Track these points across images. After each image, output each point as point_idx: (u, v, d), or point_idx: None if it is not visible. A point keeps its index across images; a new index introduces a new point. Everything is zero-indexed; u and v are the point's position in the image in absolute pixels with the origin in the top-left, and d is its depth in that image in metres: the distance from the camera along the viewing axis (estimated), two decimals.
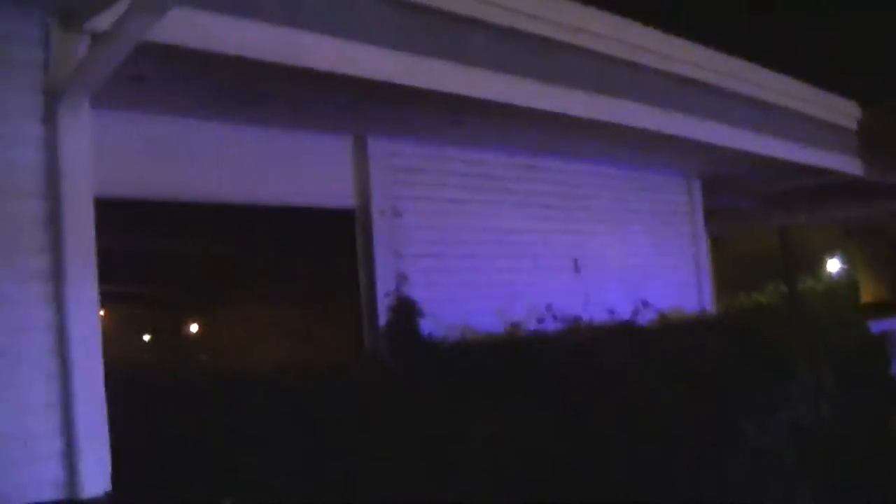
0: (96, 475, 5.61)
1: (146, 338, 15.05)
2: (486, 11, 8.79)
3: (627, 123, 10.33)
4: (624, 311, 9.70)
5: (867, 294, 27.28)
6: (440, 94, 8.39)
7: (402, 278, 9.33)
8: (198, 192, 8.35)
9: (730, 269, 18.95)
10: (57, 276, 5.50)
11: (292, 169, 9.08)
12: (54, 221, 5.52)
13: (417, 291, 9.18)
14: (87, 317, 5.54)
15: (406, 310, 8.96)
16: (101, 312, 5.83)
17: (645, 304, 9.89)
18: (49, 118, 5.51)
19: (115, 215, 6.13)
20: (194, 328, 16.38)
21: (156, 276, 11.42)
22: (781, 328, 10.77)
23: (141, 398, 6.04)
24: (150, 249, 10.13)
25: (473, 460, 6.96)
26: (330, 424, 6.62)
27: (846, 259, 28.21)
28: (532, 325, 9.05)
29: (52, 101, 5.47)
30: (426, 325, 8.89)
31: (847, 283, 27.36)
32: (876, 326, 13.63)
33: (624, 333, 9.16)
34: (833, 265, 28.03)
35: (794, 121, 13.68)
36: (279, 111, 8.54)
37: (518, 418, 7.40)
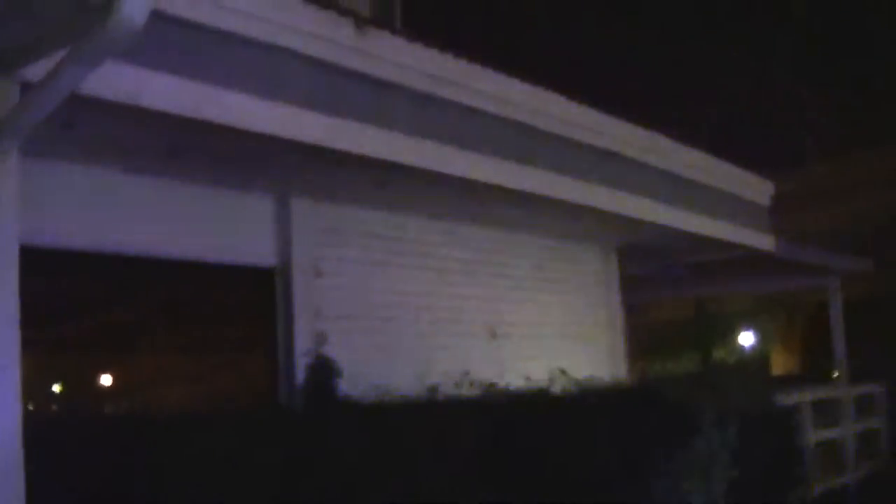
0: None
1: (56, 387, 14.87)
2: (410, 77, 8.96)
3: (548, 194, 10.51)
4: (540, 378, 9.80)
5: (778, 366, 27.73)
6: (364, 158, 8.50)
7: (320, 337, 9.39)
8: (120, 244, 8.36)
9: (645, 336, 19.18)
10: None
11: (215, 225, 9.10)
12: None
13: (336, 351, 9.23)
14: (7, 363, 5.51)
15: (324, 369, 9.01)
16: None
17: (561, 371, 10.01)
18: None
19: (36, 263, 6.12)
20: (107, 379, 16.21)
21: (71, 325, 11.33)
22: (691, 396, 10.96)
23: (52, 442, 6.01)
24: (68, 299, 10.08)
25: None
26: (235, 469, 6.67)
27: (759, 330, 28.64)
28: (448, 390, 9.11)
29: None
30: (344, 386, 8.94)
31: (758, 355, 27.78)
32: (784, 398, 13.93)
33: (538, 399, 9.27)
34: (745, 338, 28.44)
35: (710, 195, 13.99)
36: (203, 168, 8.57)
37: (425, 478, 7.51)
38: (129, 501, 6.22)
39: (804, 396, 15.29)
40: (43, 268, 6.40)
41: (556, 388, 9.76)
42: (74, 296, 10.13)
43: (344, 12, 8.37)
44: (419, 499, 7.51)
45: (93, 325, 11.74)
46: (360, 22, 8.52)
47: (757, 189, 15.68)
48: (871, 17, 31.17)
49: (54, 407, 12.45)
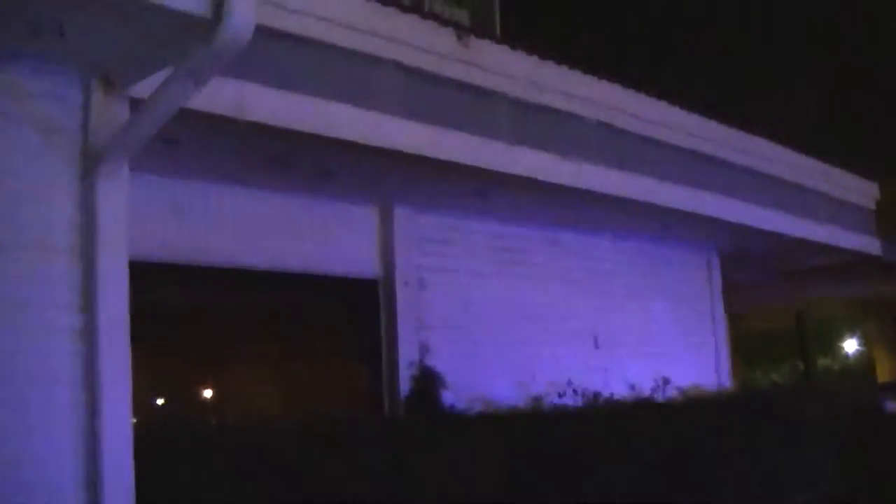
0: None
1: (162, 397, 15.05)
2: (510, 85, 8.94)
3: (651, 200, 10.43)
4: (644, 387, 9.69)
5: (884, 372, 27.15)
6: (464, 167, 8.51)
7: (424, 348, 9.36)
8: (224, 257, 8.42)
9: (747, 344, 18.91)
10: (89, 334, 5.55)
11: (318, 237, 9.15)
12: (88, 280, 5.58)
13: (439, 361, 9.21)
14: (119, 374, 5.57)
15: (428, 379, 8.98)
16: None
17: (665, 380, 9.89)
18: (87, 180, 5.58)
19: (142, 277, 6.18)
20: (212, 391, 16.41)
21: (180, 338, 11.47)
22: (797, 406, 10.80)
23: (165, 455, 6.07)
24: (176, 311, 10.20)
25: None
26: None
27: (863, 337, 28.09)
28: (552, 399, 9.03)
29: (91, 164, 5.55)
30: (448, 397, 8.91)
31: (863, 361, 27.24)
32: (891, 406, 13.63)
33: (644, 409, 9.17)
34: (849, 344, 27.90)
35: (813, 199, 13.80)
36: (307, 180, 8.63)
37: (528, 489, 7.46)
38: None
39: None
40: (148, 281, 6.45)
41: (660, 397, 9.64)
42: (178, 309, 10.26)
43: (445, 22, 8.38)
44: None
45: (198, 338, 11.89)
46: (462, 32, 8.52)
47: (861, 192, 15.42)
48: None
49: (162, 418, 12.61)
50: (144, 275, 6.21)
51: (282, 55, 7.13)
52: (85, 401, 5.53)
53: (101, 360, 5.53)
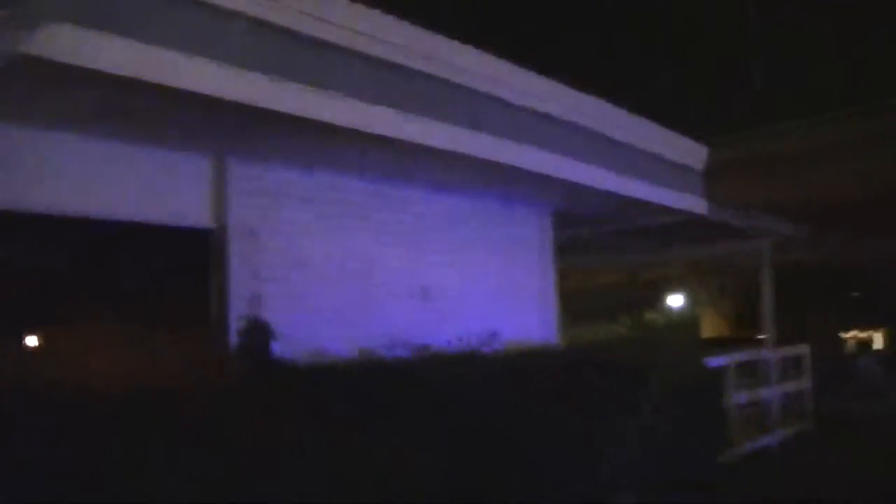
0: None
1: None
2: (350, 39, 8.91)
3: (486, 157, 10.52)
4: (473, 340, 9.83)
5: (709, 329, 28.08)
6: (302, 120, 8.47)
7: (256, 301, 9.34)
8: (46, 203, 8.28)
9: (579, 300, 19.26)
10: None
11: (150, 185, 9.04)
12: None
13: (272, 315, 9.18)
14: None
15: (259, 332, 8.96)
16: None
17: (494, 334, 10.04)
18: None
19: None
20: (33, 342, 16.04)
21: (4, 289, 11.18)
22: (629, 359, 11.10)
23: None
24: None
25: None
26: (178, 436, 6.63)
27: (690, 295, 28.95)
28: (382, 352, 9.11)
29: None
30: (279, 348, 8.90)
31: (689, 318, 28.10)
32: (713, 361, 14.12)
33: (472, 361, 9.30)
34: (675, 300, 28.74)
35: (645, 160, 14.09)
36: (140, 128, 8.50)
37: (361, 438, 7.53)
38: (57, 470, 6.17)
39: (732, 359, 15.52)
40: None
41: (489, 351, 9.78)
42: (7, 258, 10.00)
43: None
44: (351, 464, 7.52)
45: (16, 289, 11.60)
46: None
47: (692, 154, 15.81)
48: None
49: None
50: None
51: (116, 2, 6.99)
52: None
53: None
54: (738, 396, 15.53)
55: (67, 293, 11.63)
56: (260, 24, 8.05)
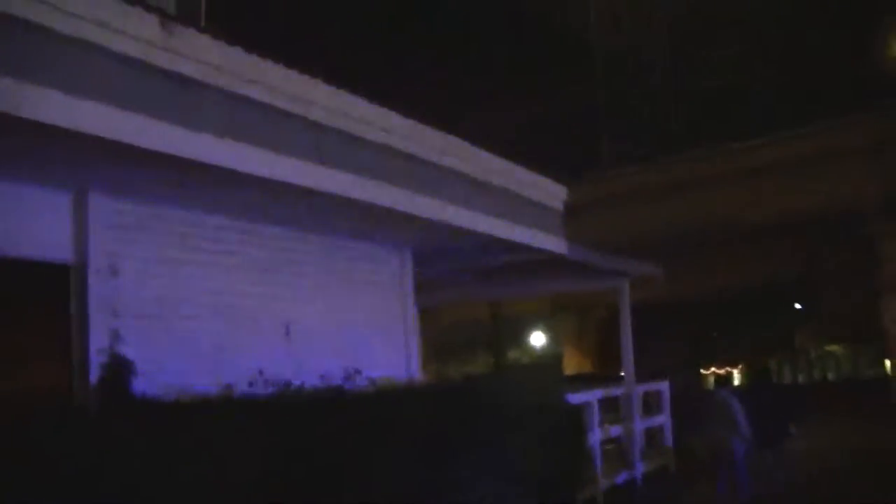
0: None
1: None
2: (212, 75, 8.96)
3: (344, 193, 10.62)
4: (335, 378, 9.90)
5: (571, 366, 28.53)
6: (166, 156, 8.47)
7: (115, 336, 9.26)
8: None
9: (440, 337, 19.48)
10: None
11: (10, 219, 8.90)
12: None
13: (133, 351, 9.15)
14: None
15: (118, 367, 8.92)
16: None
17: (356, 371, 10.13)
18: None
19: None
20: None
21: None
22: (487, 396, 11.22)
23: None
24: None
25: None
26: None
27: (552, 332, 29.40)
28: (243, 389, 9.12)
29: None
30: (140, 385, 8.87)
31: (551, 355, 28.49)
32: (574, 397, 14.37)
33: (332, 398, 9.36)
34: (537, 338, 29.17)
35: (504, 199, 14.33)
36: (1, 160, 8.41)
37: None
38: None
39: (592, 394, 15.82)
40: None
41: (352, 388, 9.85)
42: None
43: (150, 9, 8.32)
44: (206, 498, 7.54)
45: None
46: (166, 19, 8.48)
47: (551, 193, 16.11)
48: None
49: None
50: None
51: None
52: None
53: None
54: (600, 431, 15.82)
55: None
56: (118, 58, 8.04)
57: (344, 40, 30.95)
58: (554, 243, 15.91)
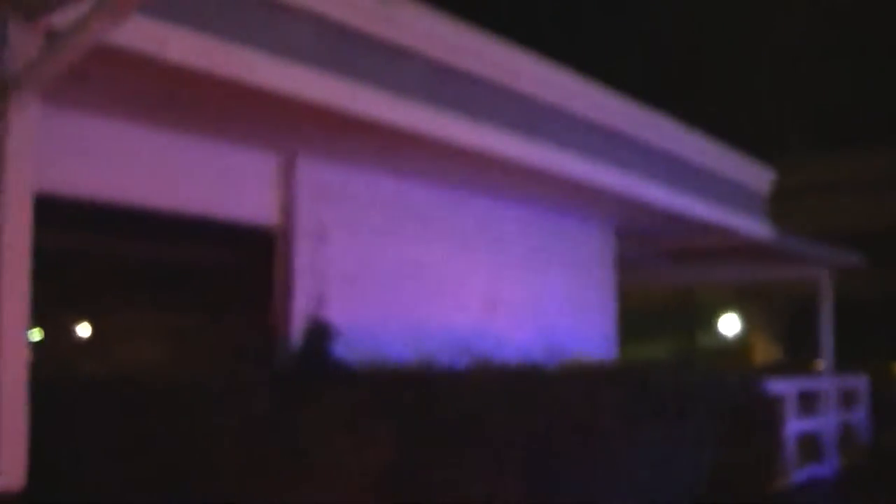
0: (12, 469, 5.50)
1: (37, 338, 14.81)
2: (426, 45, 8.91)
3: (552, 169, 10.48)
4: (534, 354, 9.78)
5: (760, 354, 27.87)
6: (375, 122, 8.46)
7: (319, 302, 9.31)
8: (120, 194, 8.29)
9: (634, 319, 19.17)
10: None
11: (218, 181, 9.01)
12: None
13: (335, 316, 9.17)
14: (18, 313, 5.45)
15: (321, 333, 8.95)
16: None
17: (556, 348, 10.00)
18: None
19: (43, 211, 6.06)
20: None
21: (66, 274, 11.27)
22: (678, 380, 11.01)
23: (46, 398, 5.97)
24: (65, 248, 10.01)
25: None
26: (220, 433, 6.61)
27: (742, 319, 28.75)
28: (444, 361, 9.06)
29: (2, 94, 5.38)
30: (339, 351, 8.88)
31: (741, 342, 27.96)
32: (770, 387, 13.96)
33: (532, 378, 9.23)
34: (727, 326, 28.52)
35: (711, 181, 14.01)
36: (212, 123, 8.51)
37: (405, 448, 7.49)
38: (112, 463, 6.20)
39: (789, 386, 15.34)
40: (49, 215, 6.33)
41: (551, 365, 9.72)
42: (68, 245, 10.06)
43: None
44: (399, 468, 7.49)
45: (88, 280, 11.68)
46: None
47: (757, 177, 15.70)
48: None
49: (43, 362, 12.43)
50: (47, 209, 6.10)
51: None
52: None
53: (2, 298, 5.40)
54: (794, 424, 15.33)
55: (130, 288, 11.70)
56: (332, 25, 8.05)
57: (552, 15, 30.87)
58: (757, 228, 15.48)
